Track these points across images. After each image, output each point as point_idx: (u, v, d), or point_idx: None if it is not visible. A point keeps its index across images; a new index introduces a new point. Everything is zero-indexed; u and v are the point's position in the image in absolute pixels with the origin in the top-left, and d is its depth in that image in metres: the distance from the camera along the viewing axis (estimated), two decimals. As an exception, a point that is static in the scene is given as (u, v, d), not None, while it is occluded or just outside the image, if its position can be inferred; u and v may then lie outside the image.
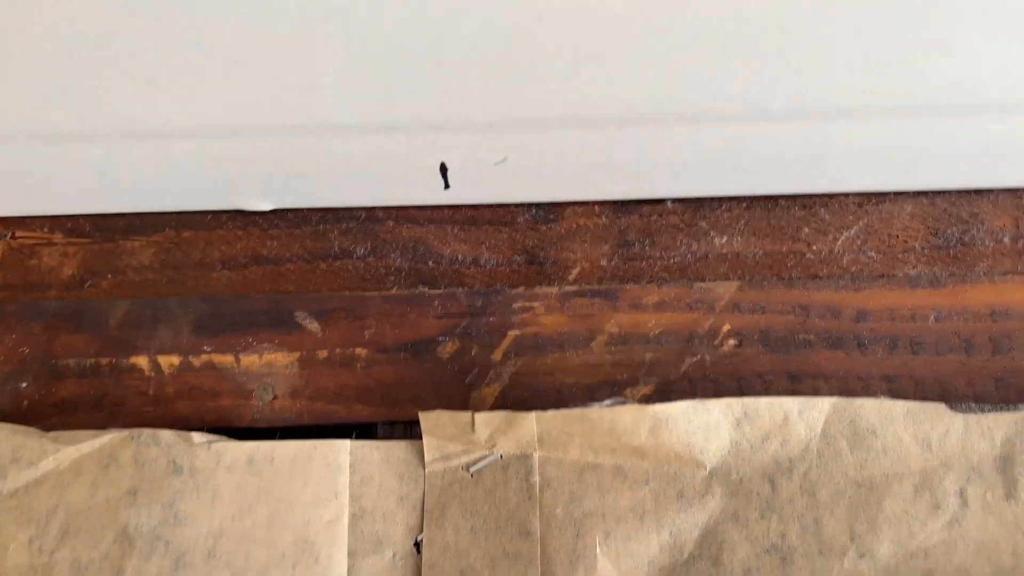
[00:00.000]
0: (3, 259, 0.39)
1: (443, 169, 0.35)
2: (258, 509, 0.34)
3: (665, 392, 0.36)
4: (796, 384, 0.36)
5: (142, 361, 0.38)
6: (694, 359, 0.37)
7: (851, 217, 0.39)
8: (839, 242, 0.38)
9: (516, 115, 0.30)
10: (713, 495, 0.35)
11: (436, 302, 0.38)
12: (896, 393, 0.36)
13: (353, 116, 0.30)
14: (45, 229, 0.40)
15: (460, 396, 0.37)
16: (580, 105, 0.30)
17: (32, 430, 0.35)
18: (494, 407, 0.36)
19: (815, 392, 0.36)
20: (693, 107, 0.30)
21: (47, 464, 0.34)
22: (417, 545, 0.34)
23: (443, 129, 0.31)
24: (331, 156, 0.34)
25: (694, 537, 0.35)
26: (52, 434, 0.35)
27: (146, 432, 0.34)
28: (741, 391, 0.36)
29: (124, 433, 0.34)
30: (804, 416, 0.35)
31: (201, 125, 0.31)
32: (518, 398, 0.36)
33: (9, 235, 0.40)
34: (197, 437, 0.34)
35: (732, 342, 0.37)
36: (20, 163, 0.35)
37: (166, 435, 0.34)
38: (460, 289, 0.38)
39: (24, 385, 0.37)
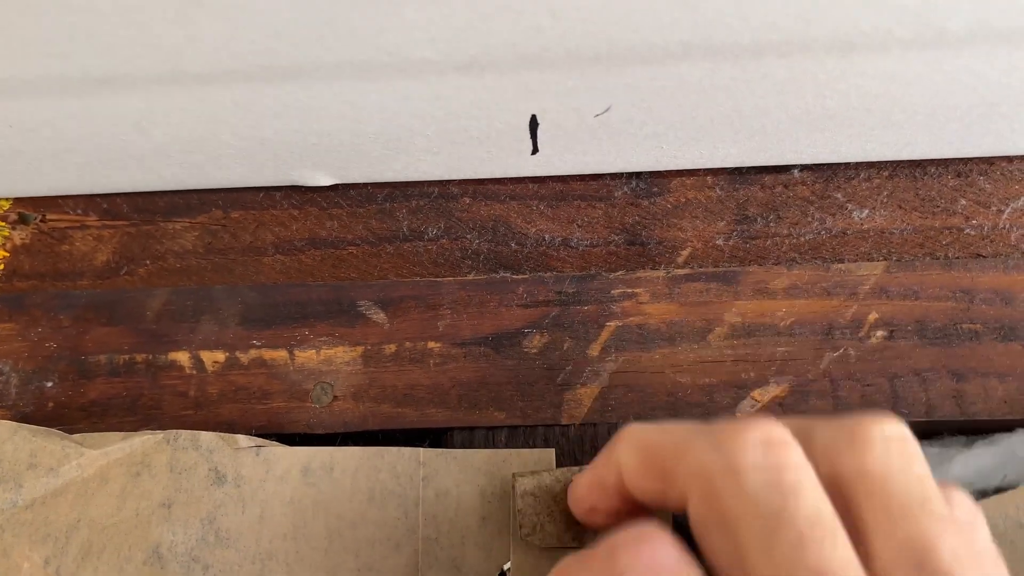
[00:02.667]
0: (31, 244, 0.35)
1: (533, 125, 0.29)
2: (314, 528, 0.28)
3: (802, 393, 0.30)
4: (963, 383, 0.30)
5: (182, 357, 0.33)
6: (835, 354, 0.30)
7: (1017, 186, 0.32)
8: (1004, 215, 0.32)
9: (632, 42, 0.25)
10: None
11: (520, 289, 0.32)
12: (1089, 395, 0.29)
13: (435, 48, 0.25)
14: (79, 211, 0.35)
15: (551, 398, 0.31)
16: (714, 24, 0.24)
17: (54, 432, 0.30)
18: (591, 410, 0.30)
19: (987, 393, 0.30)
20: (851, 28, 0.24)
21: (69, 471, 0.29)
22: (503, 575, 0.28)
23: (539, 64, 0.26)
24: (403, 107, 0.28)
25: None
26: (77, 436, 0.30)
27: (184, 434, 0.29)
28: (894, 392, 0.30)
29: (159, 436, 0.29)
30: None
31: (252, 65, 0.26)
32: (620, 400, 0.30)
33: (39, 217, 0.35)
34: (243, 441, 0.29)
35: (881, 333, 0.30)
36: (49, 127, 0.30)
37: (207, 438, 0.29)
38: (548, 274, 0.33)
39: (50, 384, 0.32)
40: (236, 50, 0.26)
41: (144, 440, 0.29)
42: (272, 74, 0.27)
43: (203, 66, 0.26)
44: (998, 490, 0.29)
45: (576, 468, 0.27)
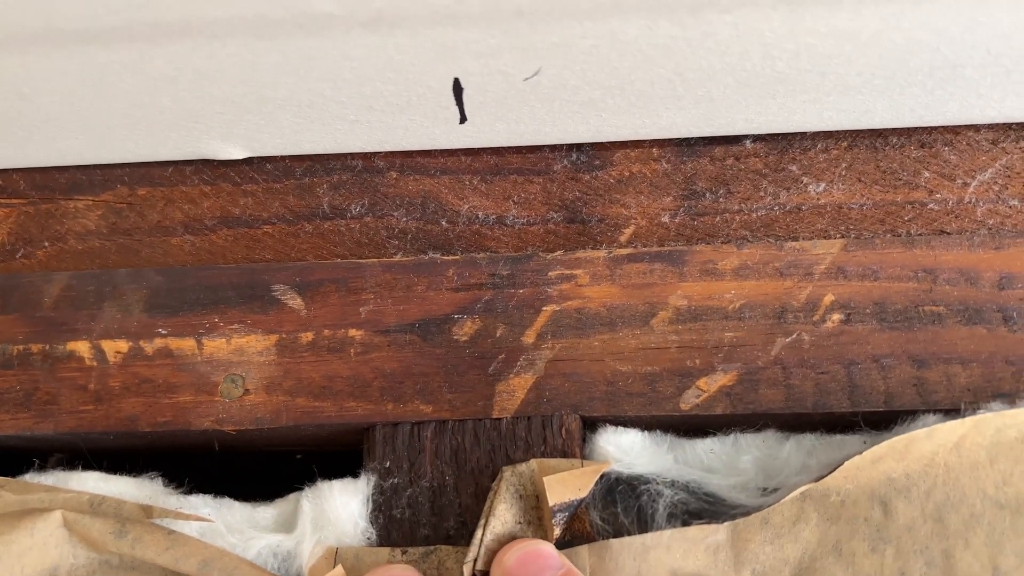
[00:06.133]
0: (-81, 225, 0.32)
1: (457, 90, 0.27)
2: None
3: (751, 382, 0.28)
4: (924, 370, 0.28)
5: (82, 347, 0.30)
6: (788, 339, 0.28)
7: (984, 157, 0.30)
8: (970, 188, 0.30)
9: (554, -8, 0.22)
10: (807, 522, 0.27)
11: (451, 271, 0.30)
12: (1060, 381, 0.27)
13: (335, 1, 0.22)
14: (-29, 188, 0.32)
15: (482, 389, 0.28)
16: (643, -30, 0.21)
17: None
18: (525, 402, 0.28)
19: (949, 381, 0.27)
20: (799, -23, 0.22)
21: None
22: None
23: (455, 20, 0.23)
24: (309, 70, 0.26)
25: (784, 576, 0.27)
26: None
27: (110, 500, 0.26)
28: (851, 380, 0.28)
29: (84, 497, 0.26)
30: (934, 435, 0.27)
31: (133, 21, 0.23)
32: (557, 391, 0.28)
33: (-73, 196, 0.32)
34: (158, 514, 0.26)
35: (837, 317, 0.28)
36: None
37: (130, 507, 0.26)
38: (481, 254, 0.30)
39: (-65, 379, 0.30)
40: (111, 4, 0.23)
41: (67, 497, 0.26)
42: (157, 32, 0.24)
43: (77, 22, 0.23)
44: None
45: None
